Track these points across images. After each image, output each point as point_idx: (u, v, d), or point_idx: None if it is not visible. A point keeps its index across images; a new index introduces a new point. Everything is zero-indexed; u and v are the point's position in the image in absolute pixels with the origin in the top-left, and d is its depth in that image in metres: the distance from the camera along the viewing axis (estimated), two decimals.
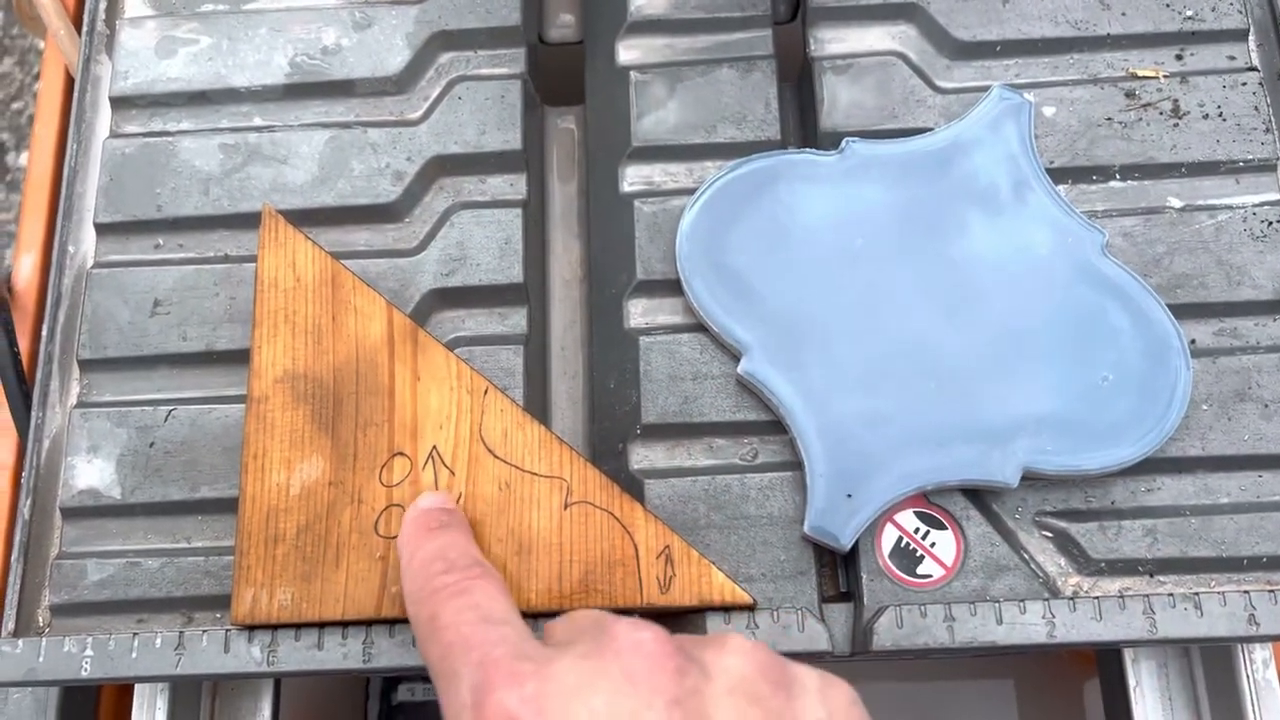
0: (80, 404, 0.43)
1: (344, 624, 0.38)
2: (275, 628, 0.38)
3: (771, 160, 0.43)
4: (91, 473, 0.41)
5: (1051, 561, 0.39)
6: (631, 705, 0.27)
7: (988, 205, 0.42)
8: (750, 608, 0.38)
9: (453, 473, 0.39)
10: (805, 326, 0.41)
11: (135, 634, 0.38)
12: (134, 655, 0.38)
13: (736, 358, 0.41)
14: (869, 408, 0.40)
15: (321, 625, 0.38)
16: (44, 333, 0.44)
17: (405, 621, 0.38)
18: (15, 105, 1.38)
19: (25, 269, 0.57)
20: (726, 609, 0.38)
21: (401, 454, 0.39)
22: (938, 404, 0.40)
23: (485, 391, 0.40)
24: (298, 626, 0.38)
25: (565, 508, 0.38)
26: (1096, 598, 0.37)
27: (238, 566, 0.38)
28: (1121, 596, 0.37)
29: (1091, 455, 0.39)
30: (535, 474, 0.39)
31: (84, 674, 0.38)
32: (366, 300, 0.41)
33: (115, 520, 0.41)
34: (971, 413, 0.40)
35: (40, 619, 0.41)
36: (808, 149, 0.44)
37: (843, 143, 0.43)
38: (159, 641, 0.38)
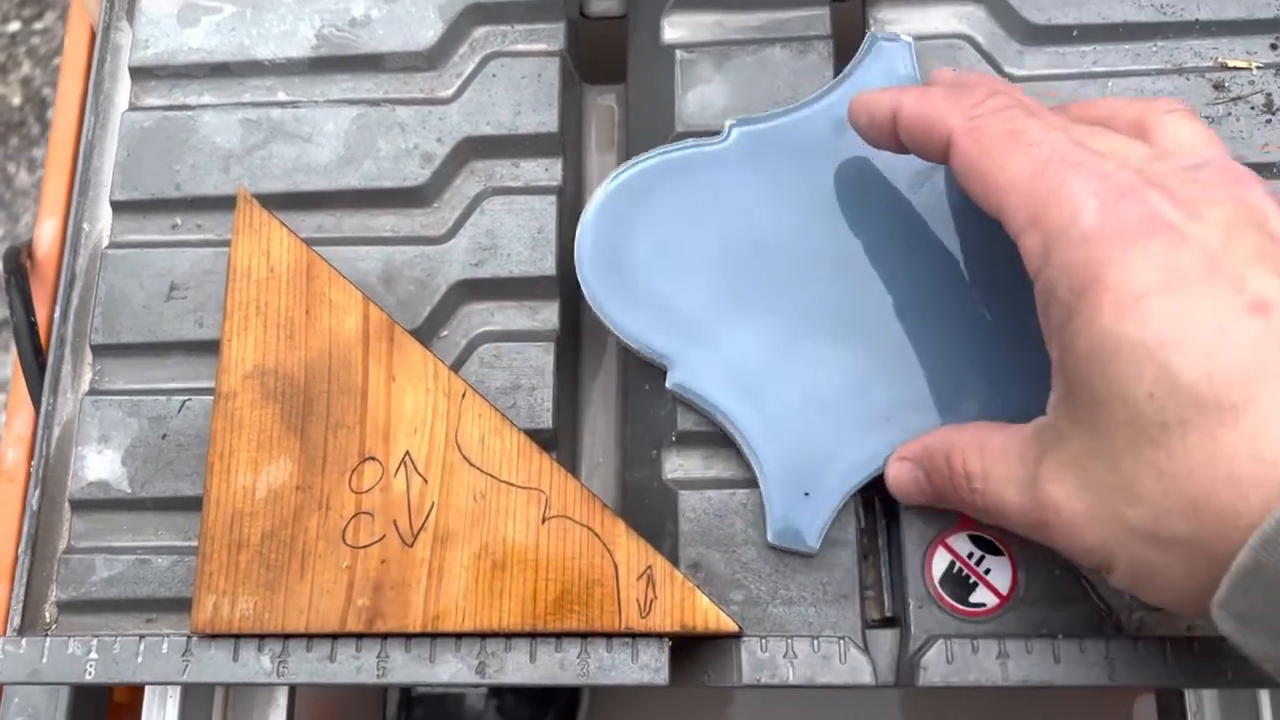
0: (92, 391, 0.41)
1: (308, 636, 0.36)
2: (238, 637, 0.36)
3: (655, 160, 0.40)
4: (102, 464, 0.40)
5: (1114, 592, 0.37)
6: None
7: (897, 162, 0.39)
8: (736, 635, 0.35)
9: (425, 480, 0.37)
10: (729, 324, 0.38)
11: (141, 637, 0.36)
12: (140, 660, 0.36)
13: None
14: (810, 397, 0.37)
15: (285, 637, 0.36)
16: (56, 314, 0.42)
17: (370, 636, 0.35)
18: (56, 61, 1.37)
19: (47, 235, 0.55)
20: (711, 636, 0.35)
21: (373, 459, 0.37)
22: (880, 379, 0.37)
23: (463, 395, 0.37)
24: (260, 637, 0.36)
25: (543, 521, 0.36)
26: (1163, 638, 0.35)
27: (200, 572, 0.36)
28: (1190, 638, 0.35)
29: None
30: (512, 484, 0.36)
31: (88, 677, 0.36)
32: (342, 293, 0.39)
33: (125, 515, 0.40)
34: (918, 381, 0.37)
35: (47, 614, 0.39)
36: (690, 139, 0.40)
37: (724, 127, 0.40)
38: (165, 647, 0.36)
